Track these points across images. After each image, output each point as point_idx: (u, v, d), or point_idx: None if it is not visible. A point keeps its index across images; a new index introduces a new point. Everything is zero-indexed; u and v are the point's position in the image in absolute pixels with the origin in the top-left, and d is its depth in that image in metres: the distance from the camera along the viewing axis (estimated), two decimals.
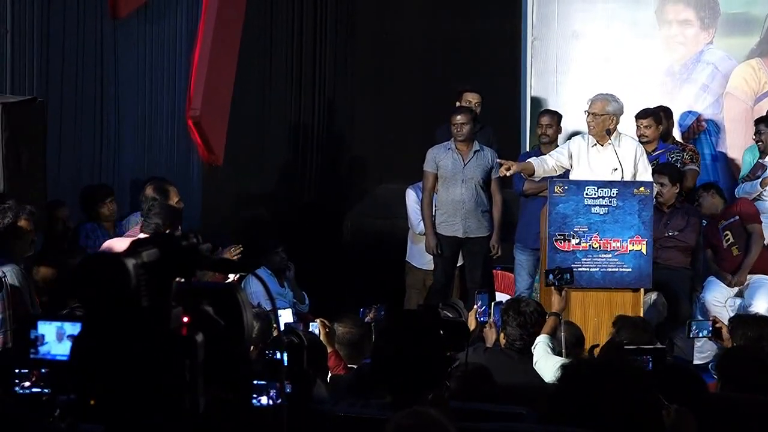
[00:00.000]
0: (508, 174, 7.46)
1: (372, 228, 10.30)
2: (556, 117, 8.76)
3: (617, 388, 2.73)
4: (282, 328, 5.53)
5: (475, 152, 8.20)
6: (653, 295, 7.51)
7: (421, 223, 8.39)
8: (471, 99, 8.70)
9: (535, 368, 5.05)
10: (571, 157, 7.48)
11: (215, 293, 1.78)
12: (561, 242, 6.99)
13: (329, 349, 5.58)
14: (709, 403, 3.76)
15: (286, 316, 6.28)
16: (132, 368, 1.61)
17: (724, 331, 5.75)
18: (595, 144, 7.41)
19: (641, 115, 8.49)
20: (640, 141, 7.97)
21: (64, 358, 2.25)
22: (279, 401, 2.58)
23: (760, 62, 10.19)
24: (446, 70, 10.65)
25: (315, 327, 5.85)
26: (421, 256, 8.64)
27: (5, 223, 5.49)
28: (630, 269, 6.98)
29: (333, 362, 5.59)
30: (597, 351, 5.42)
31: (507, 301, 5.97)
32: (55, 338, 2.42)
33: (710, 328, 5.90)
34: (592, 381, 2.77)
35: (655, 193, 7.39)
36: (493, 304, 6.05)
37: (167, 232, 6.28)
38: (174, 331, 1.67)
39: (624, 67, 10.27)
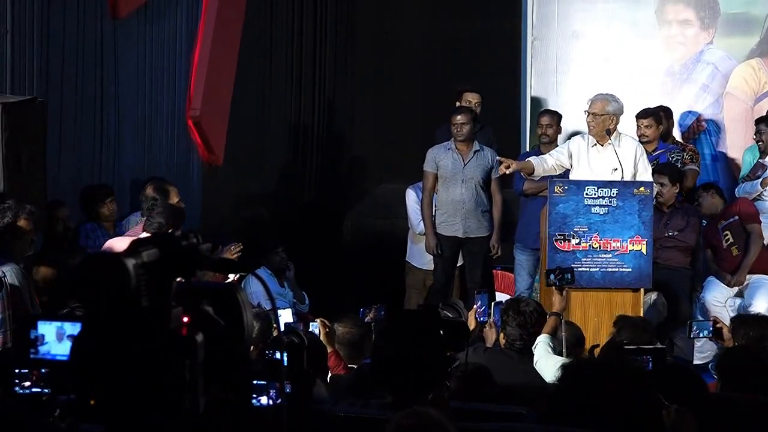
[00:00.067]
0: (507, 172, 7.45)
1: (372, 228, 10.30)
2: (556, 117, 8.76)
3: (617, 388, 2.73)
4: (282, 328, 5.53)
5: (475, 152, 8.20)
6: (653, 295, 7.51)
7: (421, 223, 8.39)
8: (471, 99, 8.70)
9: (536, 368, 5.05)
10: (570, 157, 7.48)
11: (215, 293, 1.78)
12: (561, 242, 6.98)
13: (329, 349, 5.58)
14: (709, 403, 3.75)
15: (286, 316, 6.28)
16: (132, 368, 1.61)
17: (725, 331, 5.75)
18: (595, 144, 7.41)
19: (642, 115, 8.49)
20: (640, 141, 7.97)
21: (64, 358, 2.25)
22: (279, 401, 2.58)
23: (760, 62, 10.19)
24: (446, 70, 10.65)
25: (315, 327, 5.85)
26: (421, 256, 8.63)
27: (5, 222, 5.49)
28: (630, 269, 6.98)
29: (333, 362, 5.59)
30: (597, 351, 5.42)
31: (506, 301, 5.96)
32: (55, 338, 2.42)
33: (711, 329, 5.89)
34: (592, 381, 2.77)
35: (655, 193, 7.39)
36: (493, 304, 6.05)
37: (170, 231, 6.29)
38: (174, 331, 1.67)
39: (624, 67, 10.27)
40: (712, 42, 10.27)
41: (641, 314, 6.79)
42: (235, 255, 7.16)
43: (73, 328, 2.40)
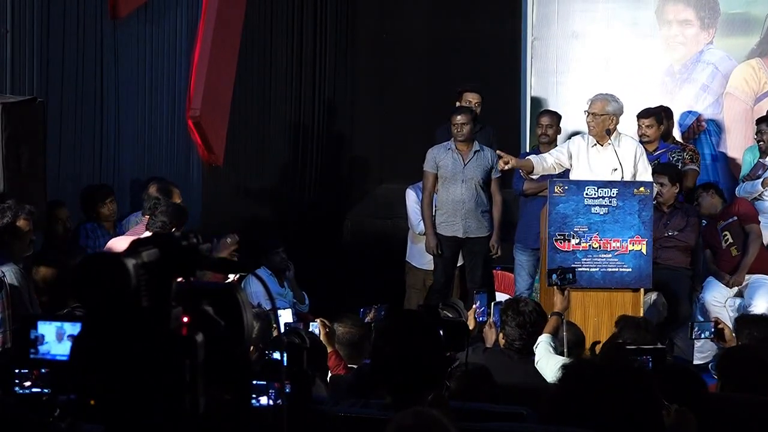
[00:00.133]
0: (506, 167, 7.45)
1: (372, 228, 10.31)
2: (556, 117, 8.76)
3: (618, 388, 2.72)
4: (282, 328, 5.54)
5: (475, 152, 8.20)
6: (653, 295, 7.51)
7: (421, 223, 8.40)
8: (471, 99, 8.70)
9: (537, 367, 5.04)
10: (570, 157, 7.48)
11: (215, 293, 1.78)
12: (561, 242, 6.98)
13: (329, 349, 5.58)
14: (709, 403, 3.75)
15: (286, 316, 6.28)
16: (132, 368, 1.61)
17: (727, 332, 5.74)
18: (595, 144, 7.41)
19: (643, 115, 8.50)
20: (641, 141, 7.97)
21: (64, 358, 2.25)
22: (279, 401, 2.58)
23: (760, 62, 10.19)
24: (446, 70, 10.64)
25: (315, 327, 5.84)
26: (421, 256, 8.64)
27: (4, 222, 5.49)
28: (630, 269, 6.98)
29: (333, 362, 5.58)
30: (598, 348, 5.41)
31: (506, 301, 5.95)
32: (55, 338, 2.42)
33: (712, 330, 5.87)
34: (592, 381, 2.76)
35: (655, 193, 7.39)
36: (492, 304, 6.05)
37: (173, 230, 6.29)
38: (174, 331, 1.66)
39: (624, 67, 10.27)
40: (712, 42, 10.27)
41: (641, 314, 6.78)
42: (232, 249, 7.17)
43: (73, 328, 2.40)
